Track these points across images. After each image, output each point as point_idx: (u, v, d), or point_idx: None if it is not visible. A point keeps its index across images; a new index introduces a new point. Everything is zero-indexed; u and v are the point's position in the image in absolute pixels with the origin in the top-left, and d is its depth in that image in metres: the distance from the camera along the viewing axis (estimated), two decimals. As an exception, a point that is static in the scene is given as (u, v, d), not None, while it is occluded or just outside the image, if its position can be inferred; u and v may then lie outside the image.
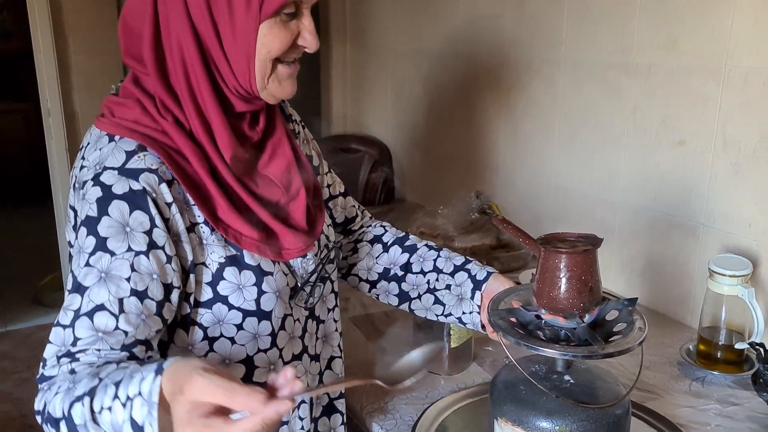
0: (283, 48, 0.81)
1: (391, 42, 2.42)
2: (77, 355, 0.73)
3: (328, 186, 1.09)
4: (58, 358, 0.73)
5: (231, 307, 0.83)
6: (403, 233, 1.13)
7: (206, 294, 0.82)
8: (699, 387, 1.17)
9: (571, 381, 0.82)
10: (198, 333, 0.83)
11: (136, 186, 0.76)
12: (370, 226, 1.15)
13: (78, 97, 3.08)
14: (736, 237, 1.29)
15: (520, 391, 0.83)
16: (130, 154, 0.78)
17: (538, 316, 0.83)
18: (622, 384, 0.85)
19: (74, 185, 0.81)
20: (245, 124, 0.86)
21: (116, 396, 0.64)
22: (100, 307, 0.73)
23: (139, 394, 0.62)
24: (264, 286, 0.84)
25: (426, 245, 1.09)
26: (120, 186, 0.76)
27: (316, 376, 0.97)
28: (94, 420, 0.65)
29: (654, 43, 1.40)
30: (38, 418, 0.73)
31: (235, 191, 0.83)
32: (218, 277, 0.82)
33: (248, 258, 0.83)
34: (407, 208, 2.28)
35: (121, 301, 0.74)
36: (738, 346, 1.18)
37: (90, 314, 0.73)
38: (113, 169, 0.76)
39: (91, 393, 0.66)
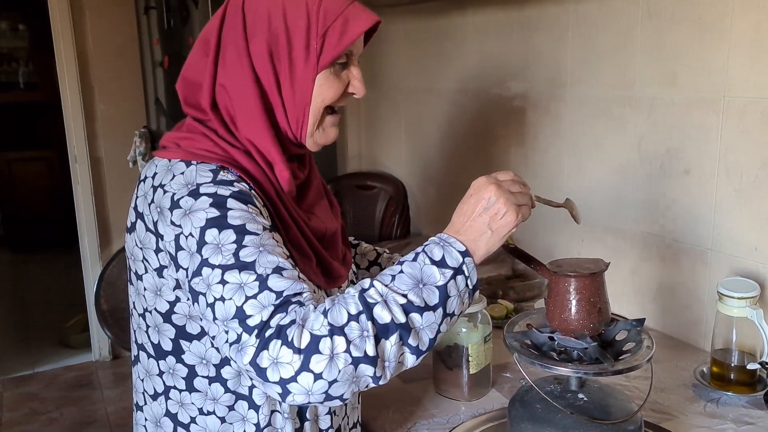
0: (336, 96, 0.88)
1: (403, 82, 2.52)
2: (294, 300, 0.75)
3: None
4: (271, 315, 0.74)
5: None
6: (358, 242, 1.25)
7: None
8: (714, 408, 1.20)
9: (585, 399, 0.87)
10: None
11: (235, 188, 0.82)
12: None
13: (102, 143, 3.21)
14: (743, 260, 1.34)
15: (537, 409, 0.87)
16: (215, 173, 0.83)
17: (551, 338, 0.88)
18: (634, 402, 0.90)
19: (151, 212, 0.84)
20: (295, 166, 0.93)
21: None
22: (278, 268, 0.76)
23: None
24: None
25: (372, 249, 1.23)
26: (223, 190, 0.81)
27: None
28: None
29: (655, 78, 1.47)
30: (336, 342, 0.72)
31: (296, 220, 0.88)
32: None
33: None
34: (423, 241, 2.33)
35: (287, 259, 0.79)
36: (750, 366, 1.21)
37: (276, 272, 0.76)
38: (207, 183, 0.81)
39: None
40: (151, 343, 0.91)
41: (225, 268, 0.76)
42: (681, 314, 1.48)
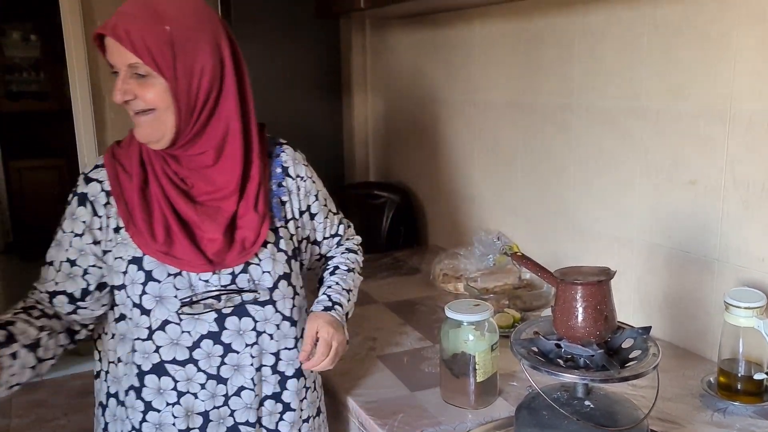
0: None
1: (411, 93, 2.54)
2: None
3: (320, 230, 1.30)
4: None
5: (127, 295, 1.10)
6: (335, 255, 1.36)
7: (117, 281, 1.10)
8: (721, 417, 1.20)
9: (591, 406, 0.87)
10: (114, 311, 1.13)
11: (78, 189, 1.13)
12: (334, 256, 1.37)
13: (113, 152, 3.23)
14: (750, 271, 1.34)
15: (544, 416, 0.88)
16: (93, 168, 1.13)
17: (557, 345, 0.89)
18: (640, 409, 0.90)
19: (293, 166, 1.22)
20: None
21: None
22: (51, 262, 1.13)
23: None
24: (147, 288, 1.07)
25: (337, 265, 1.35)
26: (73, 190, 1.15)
27: (221, 397, 1.13)
28: None
29: (661, 90, 1.49)
30: None
31: (162, 209, 1.08)
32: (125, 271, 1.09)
33: (146, 262, 1.07)
34: (430, 250, 2.35)
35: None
36: (756, 376, 1.21)
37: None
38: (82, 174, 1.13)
39: None
40: None
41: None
42: (688, 324, 1.49)
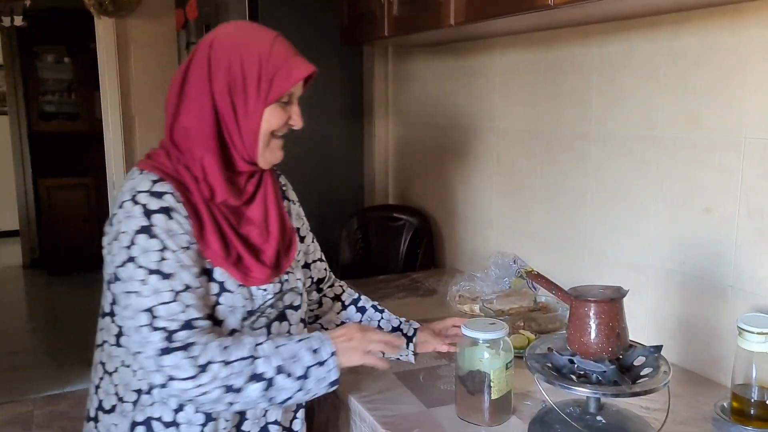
0: (279, 125, 1.15)
1: (431, 118, 2.59)
2: (197, 324, 1.09)
3: (311, 252, 1.42)
4: (179, 328, 1.06)
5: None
6: (357, 294, 1.49)
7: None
8: (733, 442, 1.21)
9: (603, 421, 0.90)
10: None
11: (163, 202, 1.06)
12: (332, 285, 1.49)
13: (140, 171, 3.32)
14: (764, 298, 1.36)
15: (557, 430, 0.91)
16: (153, 183, 1.08)
17: (571, 361, 0.92)
18: (651, 426, 0.92)
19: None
20: (242, 179, 1.18)
21: None
22: (187, 286, 1.07)
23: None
24: (221, 299, 1.10)
25: (373, 307, 1.47)
26: (153, 204, 1.05)
27: None
28: None
29: (677, 119, 1.52)
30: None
31: (219, 222, 1.11)
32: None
33: (217, 274, 1.10)
34: (447, 273, 2.38)
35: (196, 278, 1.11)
36: (769, 402, 1.22)
37: (186, 290, 1.09)
38: (144, 192, 1.06)
39: None
40: (105, 303, 1.16)
41: (150, 272, 1.01)
42: (702, 350, 1.50)
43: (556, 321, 1.73)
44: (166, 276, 1.01)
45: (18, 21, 4.54)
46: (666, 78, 1.54)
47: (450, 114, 2.46)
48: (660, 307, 1.60)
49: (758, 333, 1.23)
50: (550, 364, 0.92)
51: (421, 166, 2.72)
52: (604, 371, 0.88)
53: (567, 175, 1.88)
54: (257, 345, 1.04)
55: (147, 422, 1.12)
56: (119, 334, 1.12)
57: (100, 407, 1.18)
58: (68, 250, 5.55)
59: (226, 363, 1.00)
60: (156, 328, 1.00)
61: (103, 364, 1.18)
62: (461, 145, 2.41)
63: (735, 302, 1.42)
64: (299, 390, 1.05)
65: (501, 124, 2.16)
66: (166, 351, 0.99)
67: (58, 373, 3.58)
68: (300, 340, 1.09)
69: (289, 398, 1.06)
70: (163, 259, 1.02)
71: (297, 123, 1.18)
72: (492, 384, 1.25)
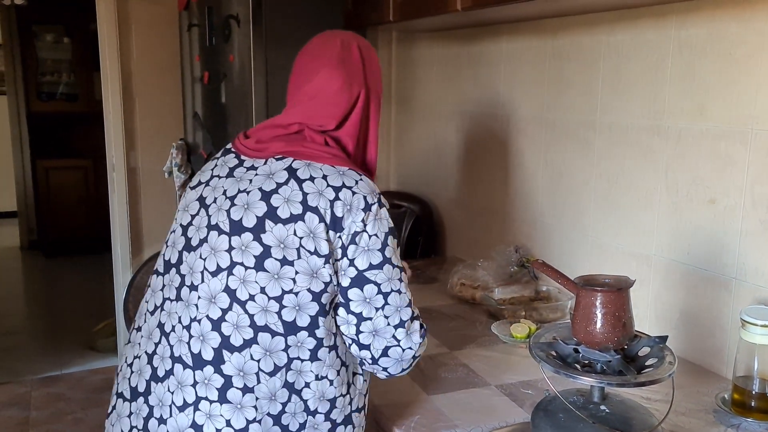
0: None
1: (435, 104, 2.58)
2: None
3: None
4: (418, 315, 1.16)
5: None
6: None
7: None
8: (734, 433, 1.22)
9: (607, 410, 0.90)
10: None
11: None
12: None
13: (140, 154, 3.31)
14: (767, 290, 1.36)
15: (560, 419, 0.91)
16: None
17: (576, 350, 0.92)
18: (654, 416, 0.92)
19: (332, 207, 1.06)
20: None
21: None
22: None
23: None
24: None
25: None
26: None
27: None
28: None
29: (684, 109, 1.51)
30: None
31: None
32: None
33: None
34: (448, 260, 2.38)
35: None
36: (770, 394, 1.23)
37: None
38: (382, 195, 1.14)
39: None
40: (282, 321, 1.04)
41: (400, 270, 1.10)
42: (704, 341, 1.50)
43: (558, 311, 1.73)
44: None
45: (17, -1, 4.49)
46: (673, 68, 1.53)
47: (453, 101, 2.45)
48: (662, 298, 1.60)
49: (762, 325, 1.23)
50: (555, 353, 0.92)
51: (423, 153, 2.71)
52: (609, 361, 0.88)
53: (571, 164, 1.87)
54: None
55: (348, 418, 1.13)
56: (317, 347, 1.07)
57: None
58: (66, 232, 5.54)
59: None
60: (415, 317, 1.12)
61: (290, 384, 1.06)
62: (464, 133, 2.39)
63: (738, 294, 1.42)
64: None
65: (505, 111, 2.15)
66: (425, 333, 1.14)
67: (55, 356, 3.58)
68: None
69: None
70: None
71: None
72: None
